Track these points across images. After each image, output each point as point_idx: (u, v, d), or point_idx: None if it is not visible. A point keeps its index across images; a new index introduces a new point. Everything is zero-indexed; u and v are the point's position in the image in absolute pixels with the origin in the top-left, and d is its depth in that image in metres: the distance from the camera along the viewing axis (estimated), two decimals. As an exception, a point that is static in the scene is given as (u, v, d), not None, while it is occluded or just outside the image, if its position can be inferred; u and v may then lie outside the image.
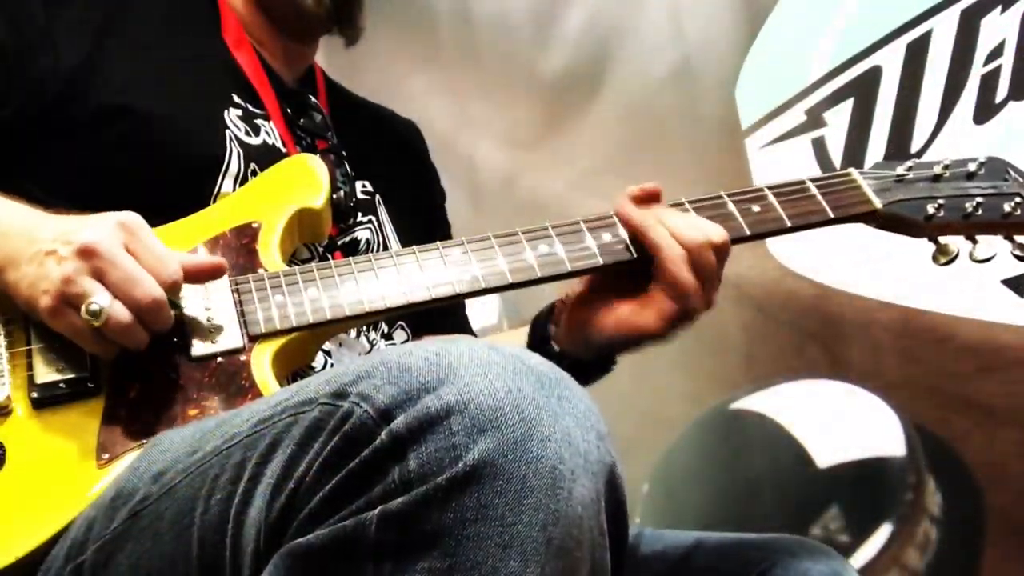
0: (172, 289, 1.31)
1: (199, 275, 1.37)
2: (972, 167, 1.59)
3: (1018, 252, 1.56)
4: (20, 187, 1.47)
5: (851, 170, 1.58)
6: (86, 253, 1.26)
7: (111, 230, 1.28)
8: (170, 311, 1.31)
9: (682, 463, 2.90)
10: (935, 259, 1.56)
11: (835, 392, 2.77)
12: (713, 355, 2.87)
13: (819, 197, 1.53)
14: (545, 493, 0.96)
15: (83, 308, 1.25)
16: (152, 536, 1.14)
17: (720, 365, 2.90)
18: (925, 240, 1.57)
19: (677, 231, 1.44)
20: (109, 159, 1.52)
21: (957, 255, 1.55)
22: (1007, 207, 1.54)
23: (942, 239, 1.56)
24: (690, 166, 2.84)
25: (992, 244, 1.55)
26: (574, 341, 1.54)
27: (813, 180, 1.55)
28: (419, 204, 1.90)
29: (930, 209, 1.54)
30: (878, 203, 1.54)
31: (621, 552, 1.07)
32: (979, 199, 1.54)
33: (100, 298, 1.25)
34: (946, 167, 1.58)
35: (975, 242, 1.55)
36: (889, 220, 1.55)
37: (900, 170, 1.58)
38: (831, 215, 1.53)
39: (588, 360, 1.54)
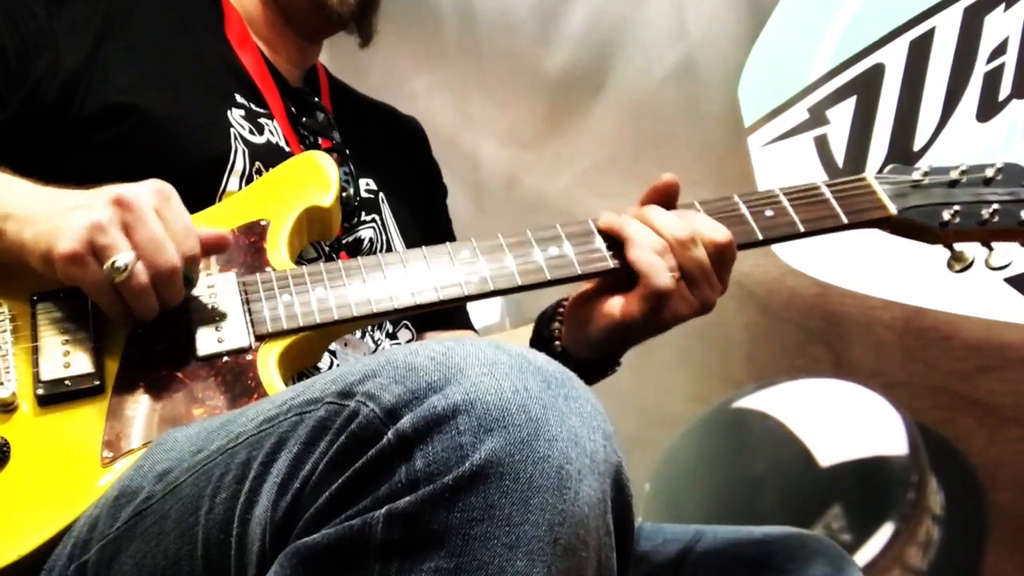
0: (189, 262, 1.31)
1: (209, 247, 1.38)
2: (989, 173, 1.57)
3: None
4: None
5: (866, 175, 1.56)
6: (121, 203, 1.27)
7: (148, 190, 1.30)
8: (182, 286, 1.31)
9: (684, 462, 2.90)
10: (950, 266, 1.55)
11: (837, 391, 2.77)
12: (715, 354, 2.87)
13: (833, 202, 1.51)
14: (552, 493, 0.95)
15: (108, 263, 1.25)
16: (156, 535, 1.13)
17: (722, 364, 2.90)
18: (940, 247, 1.56)
19: (657, 224, 1.43)
20: (112, 159, 1.51)
21: (972, 262, 1.53)
22: None
23: (957, 246, 1.54)
24: (693, 164, 2.83)
25: (1008, 251, 1.54)
26: (576, 340, 1.53)
27: (827, 184, 1.53)
28: (422, 202, 1.90)
29: (946, 215, 1.52)
30: (893, 209, 1.52)
31: (626, 551, 1.06)
32: (996, 205, 1.53)
33: (126, 255, 1.25)
34: (963, 172, 1.56)
35: (991, 249, 1.54)
36: (904, 226, 1.54)
37: (916, 175, 1.56)
38: (845, 221, 1.51)
39: (591, 360, 1.53)
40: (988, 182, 1.56)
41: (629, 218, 1.46)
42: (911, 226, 1.53)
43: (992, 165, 1.58)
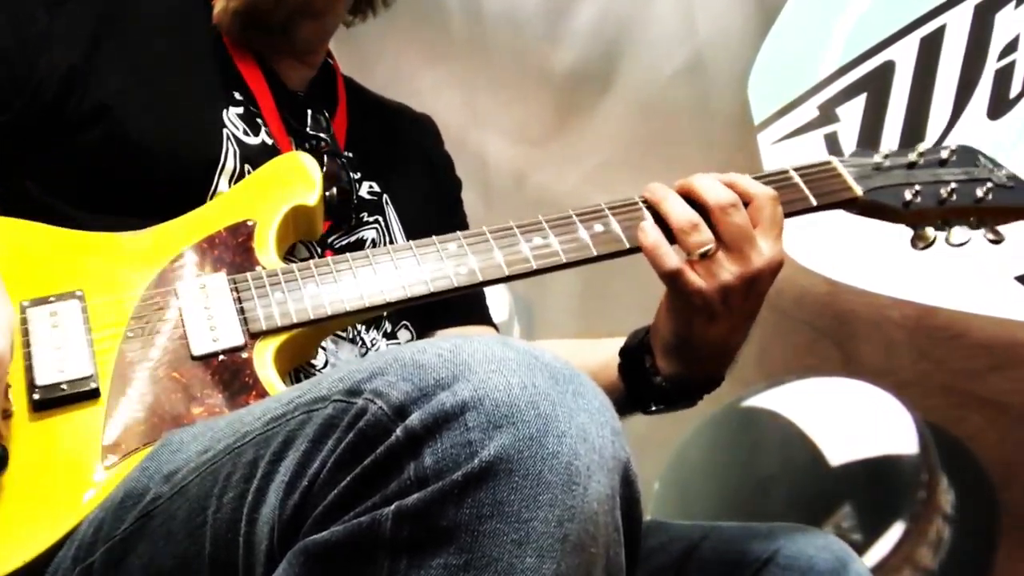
0: None
1: None
2: (944, 154, 1.63)
3: (991, 236, 1.59)
4: (20, 186, 1.49)
5: (831, 158, 1.60)
6: None
7: None
8: None
9: (694, 460, 2.89)
10: (914, 244, 1.59)
11: (847, 390, 2.76)
12: (725, 352, 2.86)
13: (802, 186, 1.55)
14: (561, 489, 0.95)
15: None
16: (164, 536, 1.13)
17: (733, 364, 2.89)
18: (903, 226, 1.60)
19: (700, 189, 1.46)
20: (107, 159, 1.52)
21: (935, 240, 1.58)
22: (979, 192, 1.58)
23: (919, 225, 1.59)
24: (702, 161, 2.82)
25: (966, 229, 1.59)
26: (658, 350, 1.53)
27: (796, 169, 1.57)
28: (434, 202, 1.90)
29: (908, 195, 1.57)
30: (859, 190, 1.56)
31: (635, 548, 1.06)
32: (953, 184, 1.58)
33: None
34: (920, 154, 1.61)
35: (950, 227, 1.59)
36: (869, 207, 1.58)
37: (877, 158, 1.61)
38: (814, 203, 1.54)
39: (677, 376, 1.52)
40: (943, 163, 1.62)
41: (671, 193, 1.48)
42: (876, 207, 1.57)
43: (947, 147, 1.64)
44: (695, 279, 1.42)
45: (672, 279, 1.43)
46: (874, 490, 2.71)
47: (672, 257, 1.43)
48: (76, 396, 1.31)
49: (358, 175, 1.75)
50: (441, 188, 1.96)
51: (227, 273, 1.42)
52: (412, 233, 1.77)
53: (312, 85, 1.79)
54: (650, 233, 1.45)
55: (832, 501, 2.73)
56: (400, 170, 1.85)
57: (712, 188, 1.46)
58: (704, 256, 1.43)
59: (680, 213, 1.45)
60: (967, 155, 1.64)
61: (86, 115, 1.51)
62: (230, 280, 1.41)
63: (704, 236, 1.43)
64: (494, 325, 1.92)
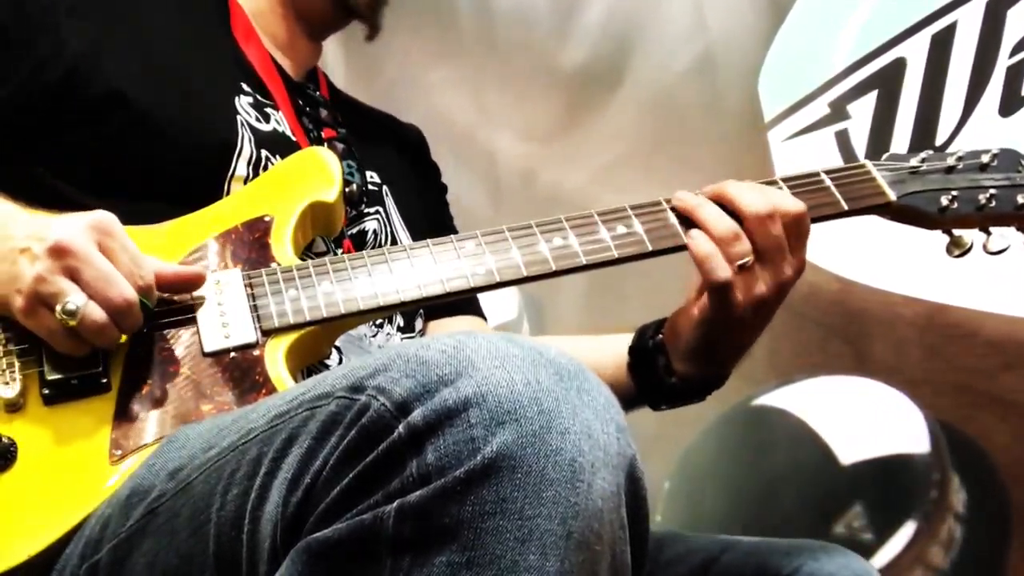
0: (144, 292, 1.29)
1: (175, 286, 1.36)
2: (985, 159, 1.58)
3: None
4: (28, 171, 1.48)
5: (865, 162, 1.57)
6: (59, 252, 1.24)
7: (83, 228, 1.26)
8: (141, 316, 1.29)
9: (704, 460, 2.89)
10: (949, 251, 1.56)
11: (858, 388, 2.75)
12: (735, 351, 2.85)
13: (833, 189, 1.52)
14: (564, 486, 0.95)
15: (58, 308, 1.23)
16: (169, 533, 1.13)
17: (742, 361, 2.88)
18: (939, 232, 1.57)
19: (739, 201, 1.43)
20: (124, 145, 1.51)
21: (971, 247, 1.55)
22: (1020, 199, 1.55)
23: (955, 231, 1.55)
24: (712, 159, 2.81)
25: (1005, 236, 1.56)
26: (674, 351, 1.53)
27: (827, 172, 1.55)
28: (424, 196, 1.90)
29: (944, 201, 1.53)
30: (892, 195, 1.53)
31: (641, 546, 1.06)
32: (993, 191, 1.54)
33: (75, 298, 1.23)
34: (960, 159, 1.58)
35: (988, 234, 1.56)
36: (903, 212, 1.55)
37: (914, 162, 1.58)
38: (845, 207, 1.52)
39: (695, 375, 1.53)
40: (984, 168, 1.58)
41: (705, 201, 1.46)
42: (910, 212, 1.55)
43: (988, 151, 1.59)
44: (738, 291, 1.42)
45: (723, 291, 1.42)
46: (885, 489, 2.70)
47: (725, 268, 1.42)
48: (86, 390, 1.31)
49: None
50: (431, 188, 1.97)
51: (242, 269, 1.42)
52: (411, 224, 1.77)
53: (307, 79, 1.80)
54: (703, 243, 1.43)
55: (843, 500, 2.72)
56: (394, 164, 1.85)
57: (749, 197, 1.44)
58: (742, 268, 1.42)
59: (722, 223, 1.43)
60: (1009, 160, 1.60)
61: (99, 101, 1.50)
62: (244, 276, 1.40)
63: (745, 246, 1.42)
64: (484, 317, 1.91)
